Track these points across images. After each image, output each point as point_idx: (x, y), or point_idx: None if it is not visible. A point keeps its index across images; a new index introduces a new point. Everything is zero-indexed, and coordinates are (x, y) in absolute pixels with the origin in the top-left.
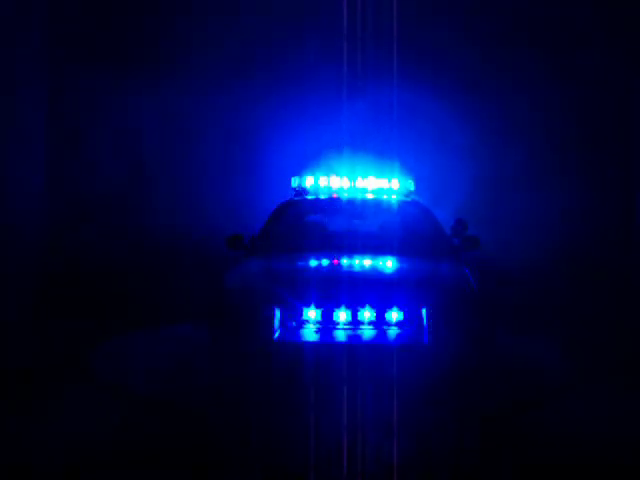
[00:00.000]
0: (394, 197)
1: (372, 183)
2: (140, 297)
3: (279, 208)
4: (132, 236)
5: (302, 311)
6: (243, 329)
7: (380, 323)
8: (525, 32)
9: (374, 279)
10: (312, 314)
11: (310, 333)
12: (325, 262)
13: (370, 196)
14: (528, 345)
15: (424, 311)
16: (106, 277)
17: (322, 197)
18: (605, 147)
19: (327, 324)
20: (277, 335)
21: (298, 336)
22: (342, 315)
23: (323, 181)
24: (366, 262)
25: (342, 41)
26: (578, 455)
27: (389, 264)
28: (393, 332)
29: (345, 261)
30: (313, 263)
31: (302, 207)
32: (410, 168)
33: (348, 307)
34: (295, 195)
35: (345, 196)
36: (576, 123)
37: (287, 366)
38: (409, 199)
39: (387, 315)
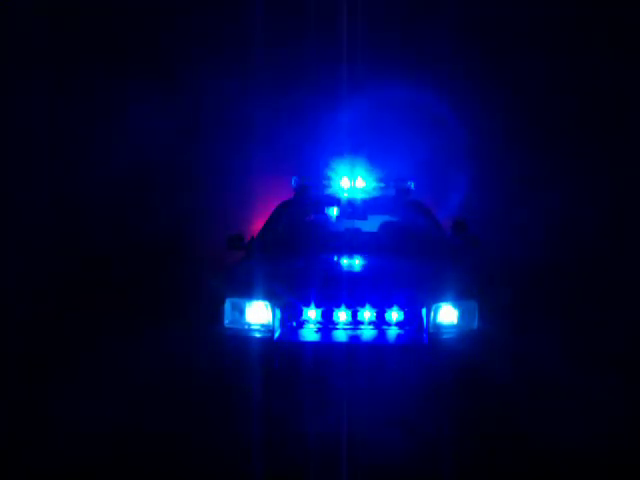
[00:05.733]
0: (394, 197)
1: (372, 183)
2: (140, 296)
3: (279, 208)
4: (132, 236)
5: (302, 311)
6: (243, 329)
7: (380, 323)
8: (526, 32)
9: (374, 279)
10: (312, 314)
11: (310, 333)
12: (325, 262)
13: (370, 196)
14: (528, 345)
15: (424, 311)
16: (105, 277)
17: (322, 197)
18: (605, 147)
19: (327, 324)
20: (277, 335)
21: (298, 336)
22: (342, 315)
23: (323, 181)
24: (366, 262)
25: (342, 40)
26: (578, 455)
27: (389, 264)
28: (393, 332)
29: (345, 261)
30: (313, 263)
31: (302, 207)
32: (410, 167)
33: (348, 307)
34: (295, 195)
35: (345, 196)
36: (576, 123)
37: (287, 366)
38: (409, 199)
39: (387, 315)
